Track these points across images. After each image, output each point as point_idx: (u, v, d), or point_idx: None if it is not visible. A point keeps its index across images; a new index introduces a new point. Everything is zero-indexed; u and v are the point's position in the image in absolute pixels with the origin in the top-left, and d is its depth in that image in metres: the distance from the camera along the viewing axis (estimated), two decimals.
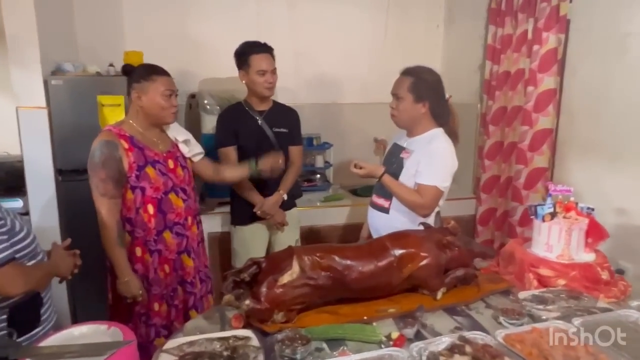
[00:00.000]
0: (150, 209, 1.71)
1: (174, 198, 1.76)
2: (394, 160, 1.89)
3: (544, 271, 1.58)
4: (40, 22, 2.18)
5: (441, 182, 1.76)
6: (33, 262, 1.38)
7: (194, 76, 2.79)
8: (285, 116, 2.27)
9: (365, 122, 3.19)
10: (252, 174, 1.99)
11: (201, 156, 1.93)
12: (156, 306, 1.76)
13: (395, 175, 1.83)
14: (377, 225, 1.92)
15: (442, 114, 1.84)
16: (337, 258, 1.41)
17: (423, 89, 1.78)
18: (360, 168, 1.82)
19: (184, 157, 1.85)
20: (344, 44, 3.15)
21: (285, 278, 1.34)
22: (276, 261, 1.38)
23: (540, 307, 1.40)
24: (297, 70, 3.08)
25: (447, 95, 1.88)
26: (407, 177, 1.81)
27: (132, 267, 1.72)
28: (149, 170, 1.70)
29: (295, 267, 1.36)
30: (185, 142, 1.85)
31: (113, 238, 1.66)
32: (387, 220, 1.86)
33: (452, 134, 1.88)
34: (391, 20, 3.22)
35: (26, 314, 1.36)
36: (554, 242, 1.62)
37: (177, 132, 1.85)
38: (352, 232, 2.75)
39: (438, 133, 1.82)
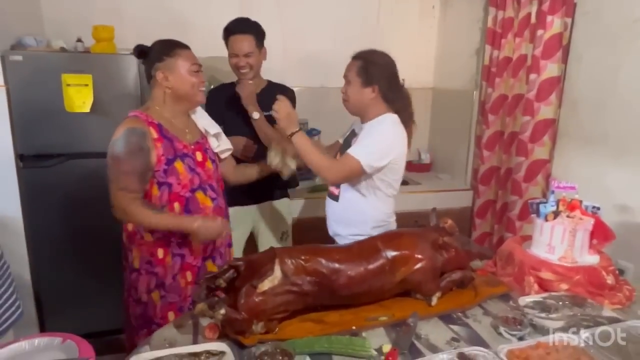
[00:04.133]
0: (177, 207, 1.52)
1: (201, 197, 1.56)
2: (345, 149, 1.78)
3: (546, 274, 1.48)
4: None
5: (367, 159, 1.62)
6: None
7: None
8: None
9: None
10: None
11: (228, 153, 1.75)
12: (171, 315, 1.56)
13: None
14: (330, 215, 1.86)
15: (395, 99, 1.73)
16: (323, 261, 1.28)
17: (372, 72, 1.67)
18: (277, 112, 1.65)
19: (213, 151, 1.67)
20: (335, 24, 2.97)
21: (266, 284, 1.20)
22: (256, 265, 1.24)
23: (543, 315, 1.30)
24: (284, 51, 2.90)
25: (401, 80, 1.76)
26: None
27: (152, 270, 1.54)
28: (178, 164, 1.50)
29: (277, 272, 1.22)
30: (216, 135, 1.67)
31: (147, 216, 1.44)
32: (338, 208, 1.80)
33: (408, 118, 1.77)
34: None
35: None
36: (556, 243, 1.51)
37: (208, 124, 1.66)
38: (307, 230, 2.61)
39: (387, 117, 1.71)
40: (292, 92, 2.17)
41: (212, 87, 2.50)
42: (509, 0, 2.36)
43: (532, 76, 2.17)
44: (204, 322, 1.25)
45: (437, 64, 3.23)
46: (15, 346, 1.09)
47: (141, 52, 1.54)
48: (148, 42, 2.67)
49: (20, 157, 2.11)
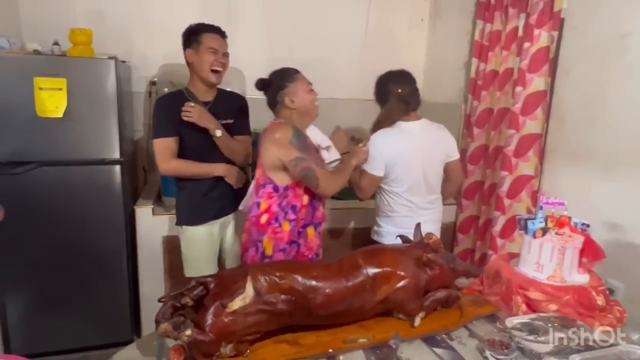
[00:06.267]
0: (305, 199, 1.72)
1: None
2: None
3: (534, 294, 1.41)
4: None
5: (369, 168, 1.89)
6: None
7: (153, 61, 2.52)
8: (231, 105, 1.99)
9: (341, 119, 2.96)
10: None
11: (336, 164, 1.81)
12: None
13: None
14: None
15: (391, 114, 1.98)
16: (300, 278, 1.20)
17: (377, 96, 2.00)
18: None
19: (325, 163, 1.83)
20: (322, 35, 2.94)
21: (237, 303, 1.12)
22: (227, 282, 1.16)
23: (531, 338, 1.24)
24: (269, 61, 2.81)
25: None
26: None
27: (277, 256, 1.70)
28: None
29: (249, 290, 1.14)
30: (328, 148, 1.79)
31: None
32: (435, 214, 2.08)
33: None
34: (373, 12, 3.03)
35: None
36: (545, 261, 1.46)
37: (320, 138, 1.79)
38: (325, 238, 2.55)
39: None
40: (242, 98, 2.08)
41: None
42: (497, 13, 2.35)
43: (518, 89, 2.13)
44: (170, 342, 1.16)
45: (425, 77, 3.21)
46: None
47: (265, 84, 1.71)
48: (130, 48, 2.61)
49: None
